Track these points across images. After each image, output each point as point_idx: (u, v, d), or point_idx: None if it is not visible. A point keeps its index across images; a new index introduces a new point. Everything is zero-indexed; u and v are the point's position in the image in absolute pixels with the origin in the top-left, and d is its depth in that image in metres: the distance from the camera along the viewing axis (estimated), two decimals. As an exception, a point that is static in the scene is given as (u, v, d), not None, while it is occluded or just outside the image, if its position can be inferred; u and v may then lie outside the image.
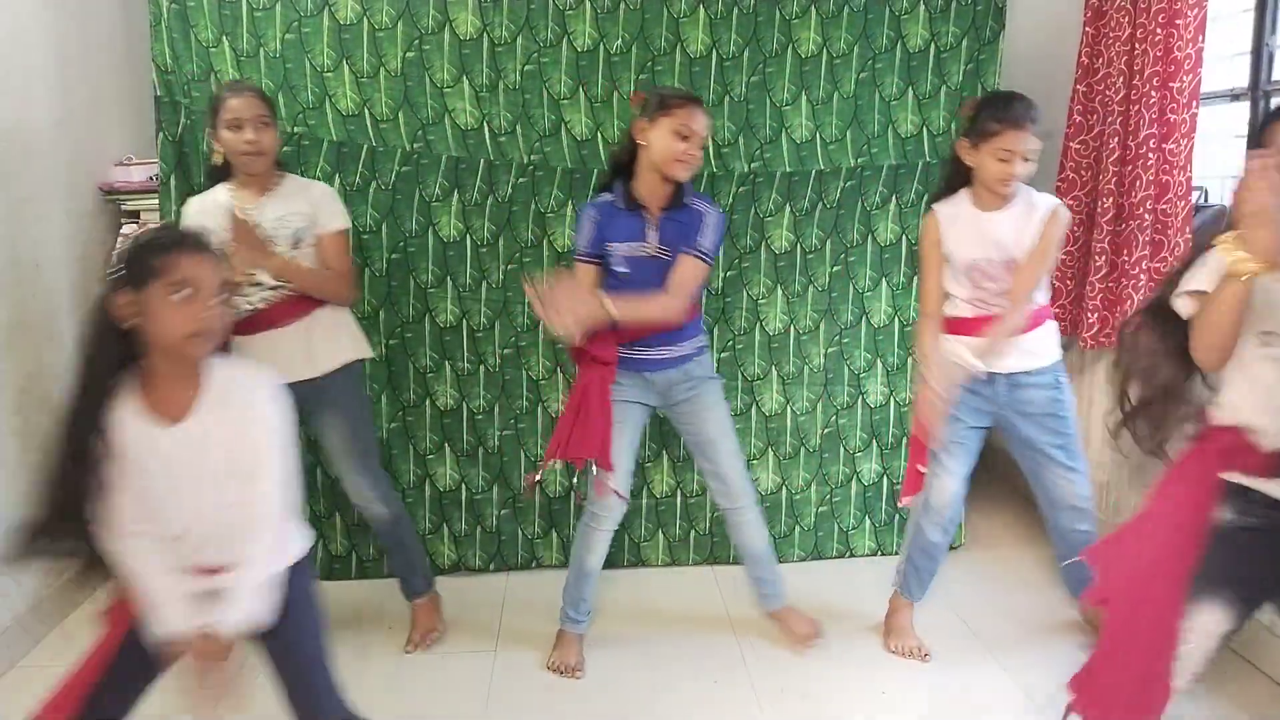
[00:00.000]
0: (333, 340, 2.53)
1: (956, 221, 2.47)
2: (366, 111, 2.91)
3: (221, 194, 2.45)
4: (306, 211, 2.47)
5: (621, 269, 2.45)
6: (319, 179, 2.89)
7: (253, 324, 2.42)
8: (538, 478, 2.99)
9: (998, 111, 2.34)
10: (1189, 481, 1.74)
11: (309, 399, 2.45)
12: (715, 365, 3.16)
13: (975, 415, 2.55)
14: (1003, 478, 4.07)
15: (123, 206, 3.11)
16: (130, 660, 1.68)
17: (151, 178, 3.05)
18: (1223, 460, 1.71)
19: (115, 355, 1.60)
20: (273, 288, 2.42)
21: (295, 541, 1.80)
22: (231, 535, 1.66)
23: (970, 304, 2.49)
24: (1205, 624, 1.70)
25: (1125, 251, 2.94)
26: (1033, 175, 2.39)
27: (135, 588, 1.64)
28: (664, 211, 2.43)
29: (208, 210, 2.40)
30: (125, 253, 1.59)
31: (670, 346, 2.51)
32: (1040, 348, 2.52)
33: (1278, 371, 1.66)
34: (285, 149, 2.88)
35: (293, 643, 1.78)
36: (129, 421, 1.60)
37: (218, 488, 1.65)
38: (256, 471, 1.66)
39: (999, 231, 2.41)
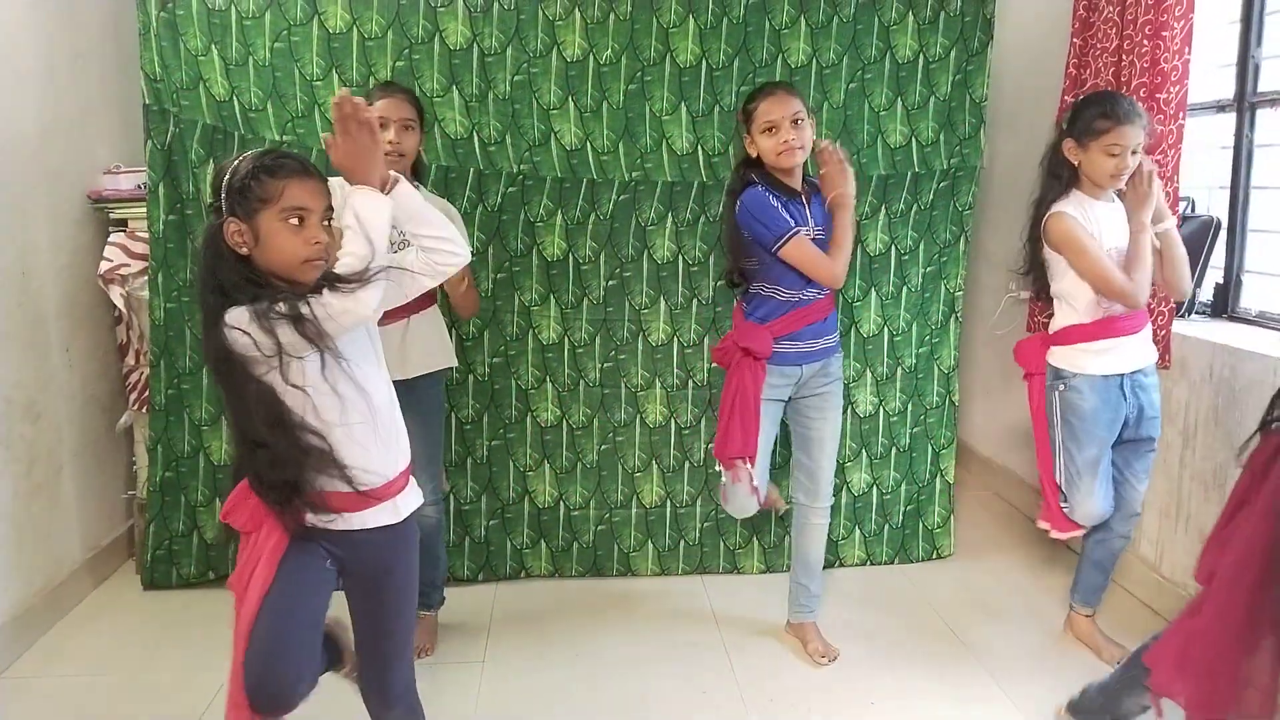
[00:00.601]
0: (425, 345, 2.55)
1: (1091, 216, 2.47)
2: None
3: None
4: None
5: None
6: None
7: None
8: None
9: (1105, 108, 2.40)
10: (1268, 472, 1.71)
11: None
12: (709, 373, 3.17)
13: (1112, 426, 2.55)
14: (992, 487, 4.08)
15: (111, 215, 3.09)
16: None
17: (140, 186, 3.04)
18: None
19: (234, 279, 1.60)
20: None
21: (415, 490, 1.84)
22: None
23: (1090, 307, 2.49)
24: None
25: (1113, 262, 2.95)
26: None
27: None
28: (807, 196, 2.53)
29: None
30: (229, 182, 1.60)
31: (823, 338, 2.59)
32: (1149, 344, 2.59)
33: None
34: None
35: (389, 599, 1.80)
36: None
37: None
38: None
39: (1120, 220, 2.48)
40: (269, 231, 1.59)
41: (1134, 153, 2.40)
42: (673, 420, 3.18)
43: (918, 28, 3.06)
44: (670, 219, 3.07)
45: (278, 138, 2.88)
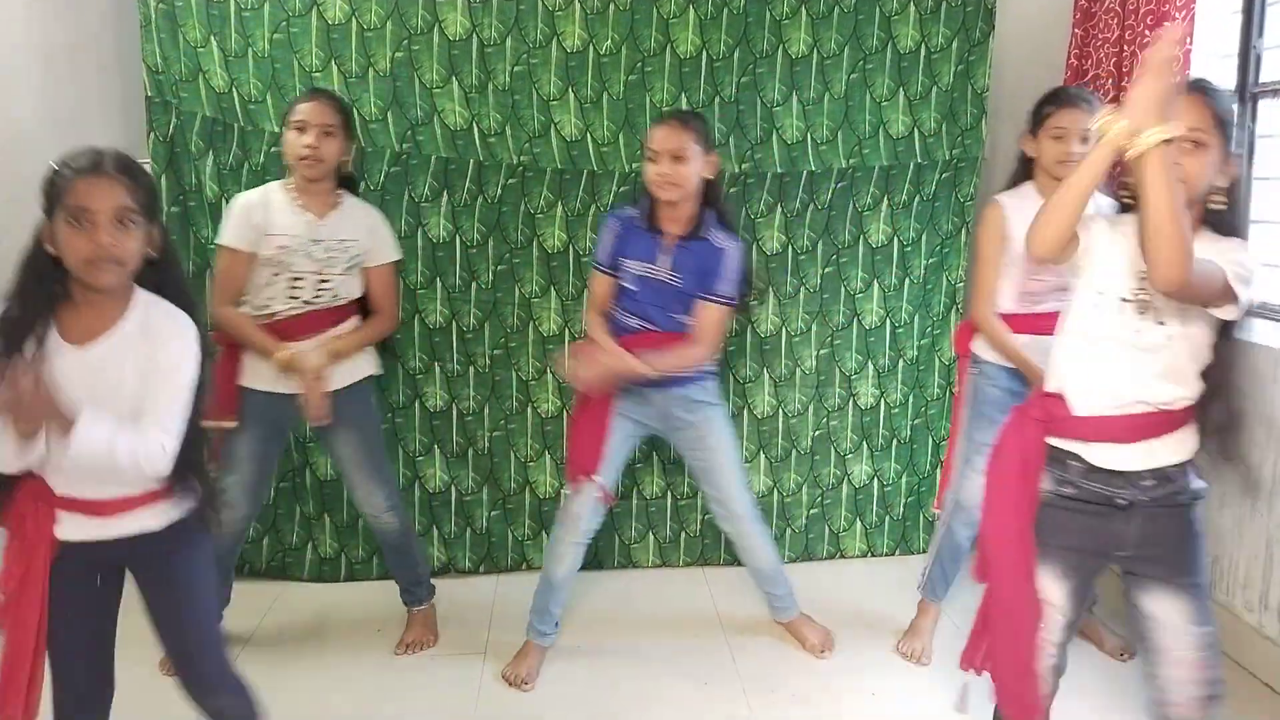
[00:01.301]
0: (350, 358, 2.53)
1: (1022, 210, 2.40)
2: (355, 112, 2.90)
3: (278, 193, 2.46)
4: (364, 239, 2.50)
5: (631, 286, 2.45)
6: None
7: (274, 331, 2.43)
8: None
9: (1050, 95, 2.42)
10: (1012, 451, 1.74)
11: None
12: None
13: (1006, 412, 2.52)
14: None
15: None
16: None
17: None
18: (1041, 426, 1.71)
19: (45, 281, 1.58)
20: (305, 301, 2.44)
21: (188, 496, 1.72)
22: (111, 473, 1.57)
23: (1016, 302, 2.47)
24: (1044, 590, 1.73)
25: (1114, 252, 2.94)
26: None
27: None
28: (681, 239, 2.42)
29: (256, 219, 2.40)
30: (43, 180, 1.58)
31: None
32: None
33: (1089, 336, 1.67)
34: (273, 149, 2.87)
35: (181, 605, 1.75)
36: (48, 337, 1.58)
37: (115, 408, 1.57)
38: (148, 411, 1.59)
39: None
40: (59, 232, 1.56)
41: (1085, 140, 2.31)
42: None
43: (919, 18, 3.05)
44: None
45: (277, 129, 2.87)
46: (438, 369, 3.08)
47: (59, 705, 1.70)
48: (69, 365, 1.58)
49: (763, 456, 3.25)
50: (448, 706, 2.46)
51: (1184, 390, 1.64)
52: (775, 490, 3.26)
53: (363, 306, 2.59)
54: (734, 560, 3.25)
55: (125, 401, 1.59)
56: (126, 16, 2.89)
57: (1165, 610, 1.67)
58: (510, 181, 3.00)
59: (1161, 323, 1.61)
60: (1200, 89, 1.61)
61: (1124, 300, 1.63)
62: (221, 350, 2.43)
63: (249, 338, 2.40)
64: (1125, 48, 2.89)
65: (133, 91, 2.92)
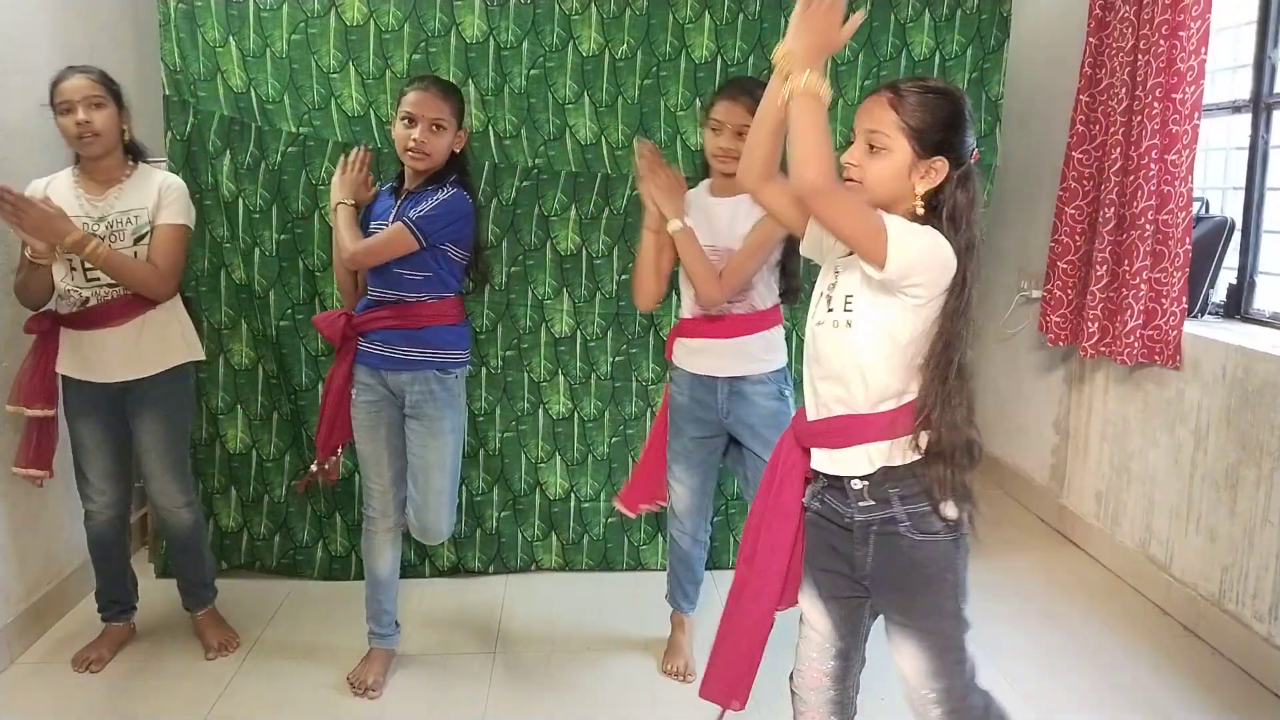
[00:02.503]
0: (161, 342, 2.50)
1: (689, 207, 2.34)
2: (372, 113, 2.92)
3: (64, 178, 2.44)
4: (150, 205, 2.43)
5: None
6: (323, 179, 2.91)
7: (84, 320, 2.42)
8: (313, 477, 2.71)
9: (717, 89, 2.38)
10: (776, 456, 1.72)
11: (129, 395, 2.49)
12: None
13: (699, 425, 2.46)
14: (1000, 485, 4.09)
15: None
16: None
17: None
18: (793, 434, 1.68)
19: None
20: (109, 285, 2.41)
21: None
22: None
23: (689, 303, 2.42)
24: (805, 615, 1.71)
25: (1126, 261, 2.95)
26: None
27: None
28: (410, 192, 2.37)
29: (46, 191, 2.39)
30: None
31: (408, 348, 2.37)
32: (762, 353, 2.40)
33: (811, 336, 1.62)
34: (290, 149, 2.90)
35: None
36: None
37: None
38: None
39: (720, 219, 2.32)
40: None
41: (740, 134, 2.17)
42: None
43: (934, 25, 3.06)
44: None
45: (294, 129, 2.89)
46: (450, 369, 3.09)
47: None
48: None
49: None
50: (458, 705, 2.47)
51: (850, 392, 1.54)
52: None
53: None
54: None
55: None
56: (145, 16, 2.91)
57: (900, 655, 1.61)
58: (524, 184, 3.01)
59: (830, 310, 1.56)
60: (893, 89, 1.52)
61: (820, 294, 1.61)
62: (35, 339, 2.44)
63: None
64: (1140, 57, 2.90)
65: (151, 90, 2.94)
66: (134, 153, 2.48)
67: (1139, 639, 2.60)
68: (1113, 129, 3.01)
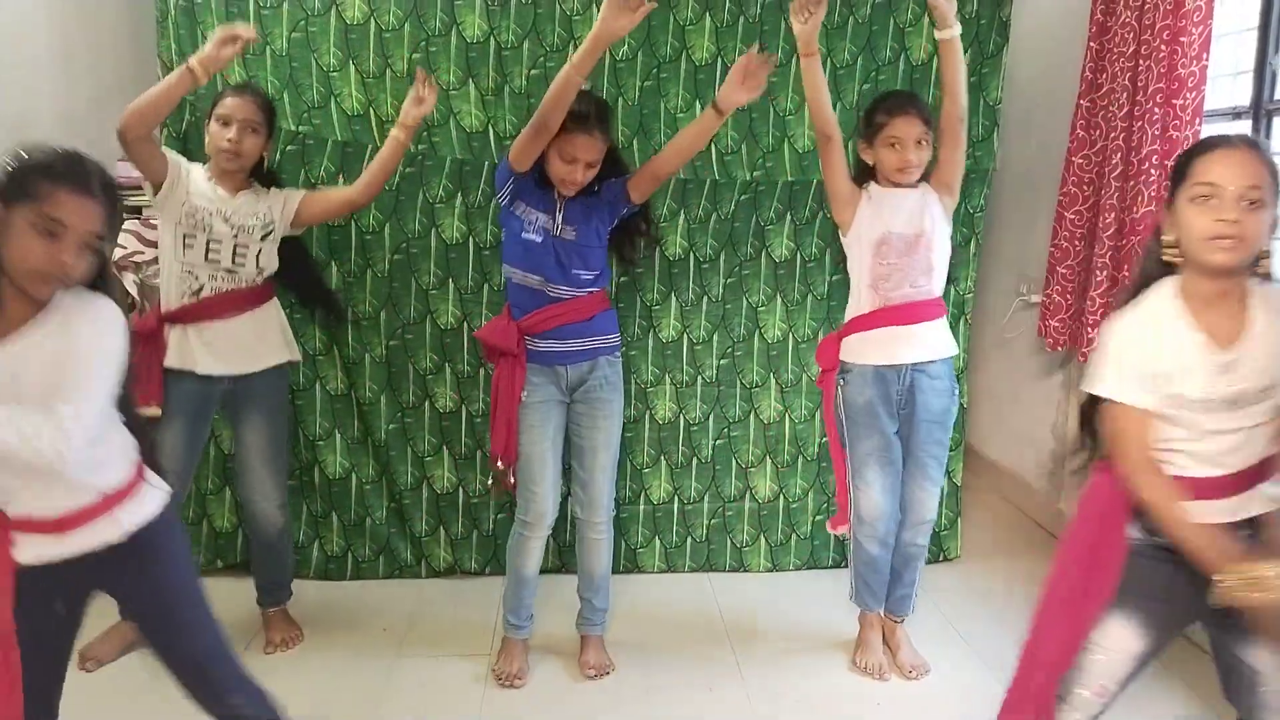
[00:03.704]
0: (267, 338, 2.57)
1: (873, 203, 2.50)
2: (372, 112, 2.91)
3: (199, 169, 2.50)
4: (275, 205, 2.54)
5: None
6: (323, 179, 2.91)
7: (194, 312, 2.46)
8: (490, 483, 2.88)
9: (881, 103, 2.48)
10: (1103, 497, 1.72)
11: (234, 395, 2.55)
12: (715, 372, 3.17)
13: (891, 420, 2.54)
14: (996, 489, 4.08)
15: (126, 202, 3.09)
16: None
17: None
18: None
19: None
20: (226, 271, 2.46)
21: (150, 498, 1.66)
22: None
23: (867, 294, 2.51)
24: (1115, 639, 1.70)
25: (1126, 266, 2.95)
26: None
27: None
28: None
29: (183, 175, 2.45)
30: (10, 163, 1.50)
31: (581, 339, 2.47)
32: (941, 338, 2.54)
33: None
34: (289, 147, 2.89)
35: (172, 615, 1.69)
36: None
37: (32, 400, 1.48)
38: (58, 391, 1.48)
39: (910, 202, 2.47)
40: (18, 228, 1.48)
41: (920, 144, 2.42)
42: (681, 416, 3.19)
43: (933, 29, 3.05)
44: (683, 216, 3.07)
45: (294, 128, 2.88)
46: (449, 370, 3.09)
47: None
48: None
49: (769, 462, 3.25)
50: (453, 705, 2.47)
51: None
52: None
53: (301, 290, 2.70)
54: (740, 566, 3.27)
55: (33, 400, 1.48)
56: (143, 11, 2.90)
57: (1267, 661, 1.63)
58: (524, 184, 3.01)
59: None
60: (1248, 143, 1.56)
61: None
62: (141, 337, 2.44)
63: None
64: (1141, 62, 2.90)
65: (148, 86, 2.92)
66: (259, 177, 2.57)
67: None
68: (1113, 134, 3.00)
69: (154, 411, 2.45)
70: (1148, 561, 1.67)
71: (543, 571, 2.63)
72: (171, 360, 2.47)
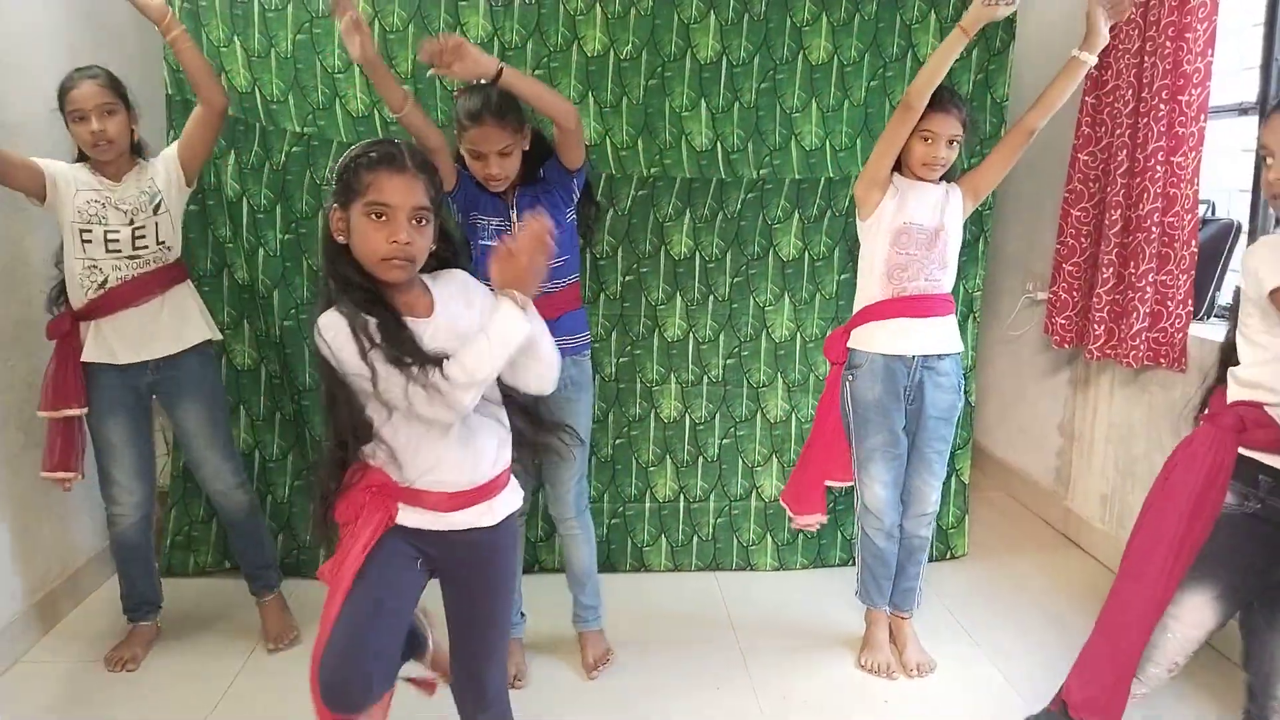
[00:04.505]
0: (182, 319, 2.54)
1: (898, 192, 2.51)
2: (377, 113, 2.92)
3: (80, 167, 2.48)
4: (158, 177, 2.51)
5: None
6: (327, 179, 2.91)
7: (103, 304, 2.45)
8: None
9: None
10: (1199, 460, 1.71)
11: (162, 382, 2.53)
12: (721, 372, 3.17)
13: (899, 415, 2.55)
14: (1006, 488, 4.08)
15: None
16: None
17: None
18: (1236, 436, 1.68)
19: (334, 267, 1.63)
20: (128, 258, 2.45)
21: (517, 490, 1.79)
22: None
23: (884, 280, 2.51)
24: (1191, 614, 1.71)
25: (1132, 264, 2.94)
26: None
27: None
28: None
29: (64, 176, 2.44)
30: (340, 166, 1.63)
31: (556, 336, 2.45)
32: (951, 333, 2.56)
33: None
34: (294, 149, 2.89)
35: (483, 602, 1.78)
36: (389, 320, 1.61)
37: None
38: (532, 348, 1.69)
39: (934, 197, 2.48)
40: (357, 224, 1.60)
41: (951, 143, 2.42)
42: (687, 415, 3.19)
43: (940, 26, 3.05)
44: (689, 215, 3.07)
45: (298, 130, 2.89)
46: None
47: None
48: (429, 335, 1.63)
49: (776, 461, 3.25)
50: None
51: None
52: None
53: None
54: (746, 565, 3.27)
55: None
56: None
57: None
58: (529, 184, 3.01)
59: None
60: None
61: None
62: (56, 342, 2.46)
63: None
64: (1146, 59, 2.89)
65: (155, 91, 2.93)
66: (139, 152, 2.53)
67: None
68: (1119, 131, 3.00)
69: (75, 412, 2.46)
70: (1237, 530, 1.66)
71: (533, 571, 2.62)
72: (90, 354, 2.46)
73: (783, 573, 3.27)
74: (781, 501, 2.79)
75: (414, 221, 1.61)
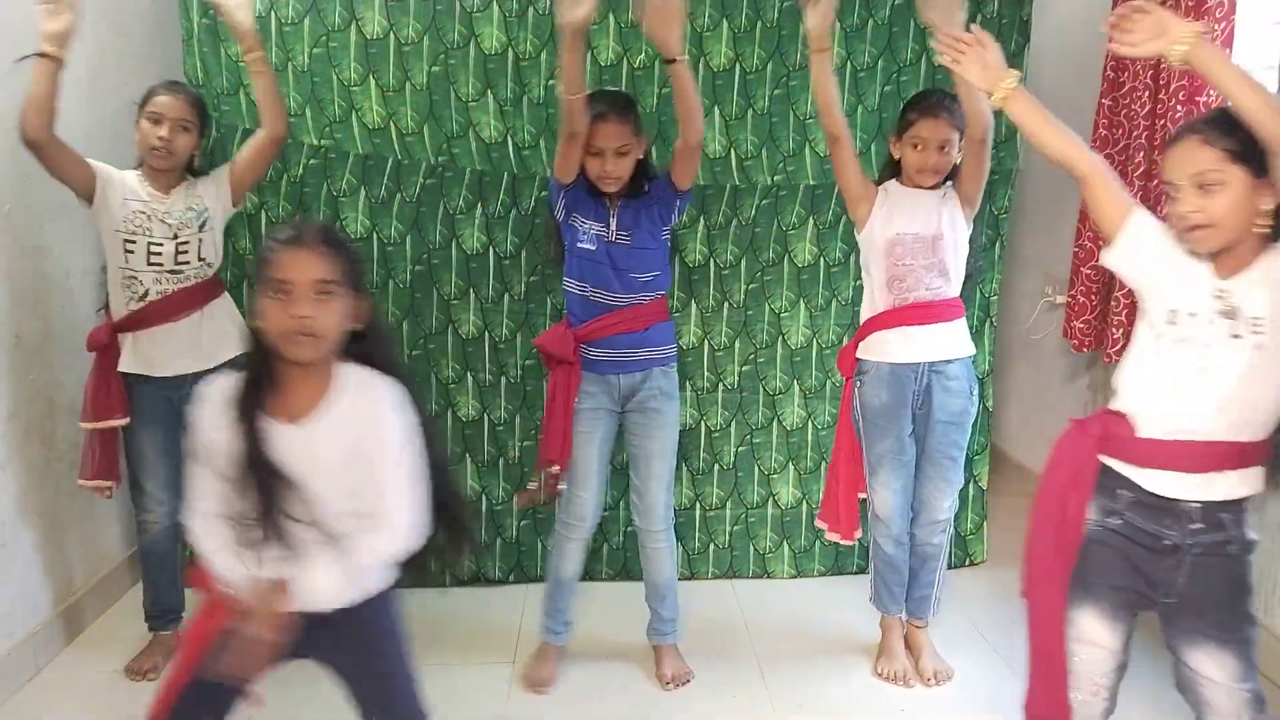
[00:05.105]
0: (221, 334, 2.57)
1: (889, 199, 2.50)
2: (392, 125, 2.94)
3: (131, 174, 2.52)
4: (208, 195, 2.55)
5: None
6: (344, 191, 2.95)
7: (143, 317, 2.48)
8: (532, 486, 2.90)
9: (915, 102, 2.47)
10: (1061, 464, 1.71)
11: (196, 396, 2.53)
12: (736, 379, 3.17)
13: (906, 421, 2.54)
14: (1025, 493, 4.04)
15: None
16: (202, 692, 1.63)
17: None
18: (1097, 442, 1.67)
19: (255, 358, 1.62)
20: (170, 272, 2.48)
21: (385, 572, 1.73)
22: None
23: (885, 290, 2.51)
24: (1087, 634, 1.70)
25: (1151, 267, 2.91)
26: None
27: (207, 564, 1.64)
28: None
29: (114, 181, 2.47)
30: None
31: (634, 350, 2.49)
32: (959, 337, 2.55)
33: (1165, 353, 1.61)
34: (311, 161, 2.93)
35: (381, 679, 1.75)
36: (259, 417, 1.59)
37: (335, 484, 1.61)
38: (387, 495, 1.62)
39: (929, 204, 2.48)
40: (263, 305, 1.58)
41: (943, 149, 2.41)
42: (703, 423, 3.19)
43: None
44: (703, 222, 3.08)
45: (316, 142, 2.92)
46: (470, 379, 3.11)
47: None
48: (284, 443, 1.59)
49: (793, 469, 3.24)
50: (476, 714, 2.48)
51: (1244, 419, 1.56)
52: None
53: None
54: (763, 573, 3.26)
55: (344, 477, 1.61)
56: (170, 31, 2.95)
57: (1210, 667, 1.61)
58: (544, 194, 3.02)
59: (1238, 336, 1.53)
60: (1194, 130, 1.56)
61: (1189, 313, 1.57)
62: (95, 354, 2.48)
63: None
64: (1162, 61, 2.86)
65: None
66: (192, 171, 2.59)
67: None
68: (1135, 133, 2.97)
69: (118, 423, 2.50)
70: (1104, 547, 1.67)
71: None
72: (128, 365, 2.49)
73: (800, 580, 3.26)
74: (819, 523, 2.78)
75: (317, 295, 1.57)
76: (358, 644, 1.71)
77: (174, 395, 2.53)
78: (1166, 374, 1.60)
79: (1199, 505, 1.59)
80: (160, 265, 2.48)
